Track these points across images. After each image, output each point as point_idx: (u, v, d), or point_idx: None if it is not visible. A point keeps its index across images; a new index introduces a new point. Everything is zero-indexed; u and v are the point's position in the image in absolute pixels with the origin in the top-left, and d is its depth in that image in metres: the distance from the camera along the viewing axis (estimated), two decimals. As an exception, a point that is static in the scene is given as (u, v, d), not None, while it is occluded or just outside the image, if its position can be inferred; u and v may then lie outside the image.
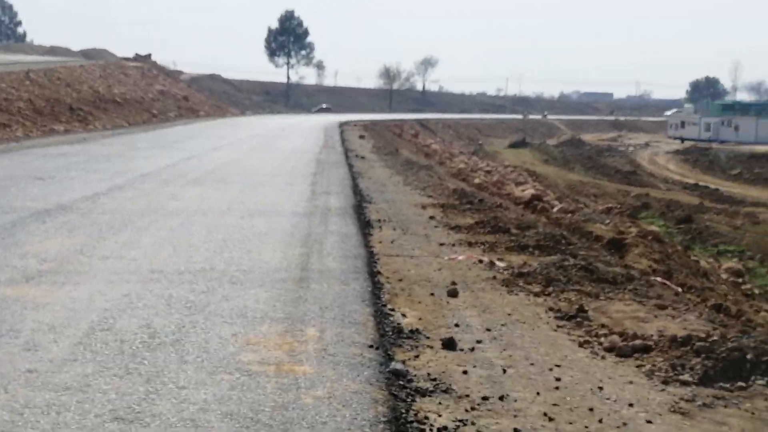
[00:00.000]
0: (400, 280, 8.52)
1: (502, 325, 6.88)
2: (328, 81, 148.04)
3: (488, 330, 6.71)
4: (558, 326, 6.97)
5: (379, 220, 12.60)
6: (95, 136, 29.91)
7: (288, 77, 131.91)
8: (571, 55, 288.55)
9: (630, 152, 74.34)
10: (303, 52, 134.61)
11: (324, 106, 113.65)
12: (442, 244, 10.87)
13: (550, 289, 8.31)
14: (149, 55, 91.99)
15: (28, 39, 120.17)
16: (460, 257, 9.89)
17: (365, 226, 12.00)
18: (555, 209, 17.15)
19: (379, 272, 8.77)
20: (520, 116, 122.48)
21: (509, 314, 7.25)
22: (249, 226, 11.15)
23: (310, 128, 47.11)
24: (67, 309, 6.45)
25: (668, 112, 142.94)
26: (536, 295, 8.05)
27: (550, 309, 7.50)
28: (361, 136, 38.81)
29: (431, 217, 13.31)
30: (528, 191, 21.44)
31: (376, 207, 14.18)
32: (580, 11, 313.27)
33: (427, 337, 6.41)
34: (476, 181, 23.50)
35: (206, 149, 25.67)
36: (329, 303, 7.24)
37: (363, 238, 10.92)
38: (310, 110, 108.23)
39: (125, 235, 9.89)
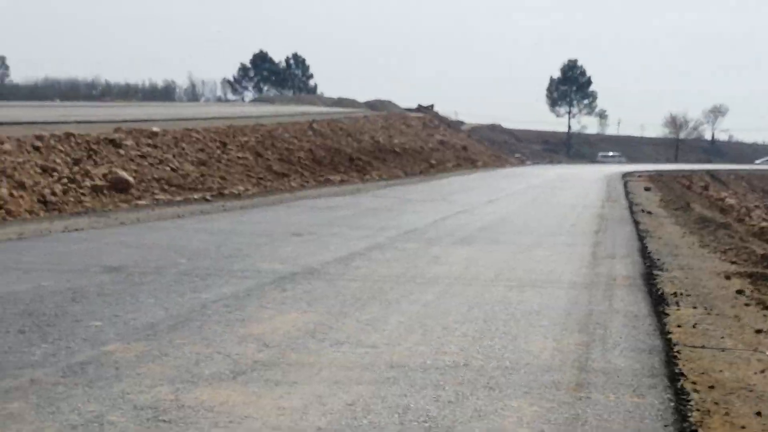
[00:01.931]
0: (711, 387, 6.42)
1: None
2: (611, 130, 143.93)
3: None
4: None
5: (674, 294, 10.44)
6: (369, 187, 29.34)
7: (569, 126, 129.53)
8: None
9: None
10: (585, 101, 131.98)
11: (611, 153, 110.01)
12: (759, 331, 8.58)
13: None
14: (432, 106, 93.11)
15: (318, 91, 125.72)
16: (793, 357, 7.61)
17: (658, 302, 9.90)
18: None
19: (681, 374, 6.72)
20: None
21: None
22: (517, 300, 9.38)
23: (592, 179, 44.75)
24: (269, 428, 4.96)
25: None
26: None
27: None
28: (647, 188, 36.04)
29: (739, 292, 10.94)
30: None
31: (669, 276, 11.99)
32: None
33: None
34: (786, 243, 20.40)
35: (480, 202, 24.22)
36: (618, 428, 5.33)
37: (657, 320, 8.85)
38: (594, 158, 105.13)
39: (370, 310, 8.42)
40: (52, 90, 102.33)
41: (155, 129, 29.32)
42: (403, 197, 24.83)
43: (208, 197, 21.72)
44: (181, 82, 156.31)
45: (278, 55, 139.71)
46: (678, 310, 9.54)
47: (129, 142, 26.09)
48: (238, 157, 31.58)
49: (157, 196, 21.60)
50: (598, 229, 17.91)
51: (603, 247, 14.91)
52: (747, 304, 10.19)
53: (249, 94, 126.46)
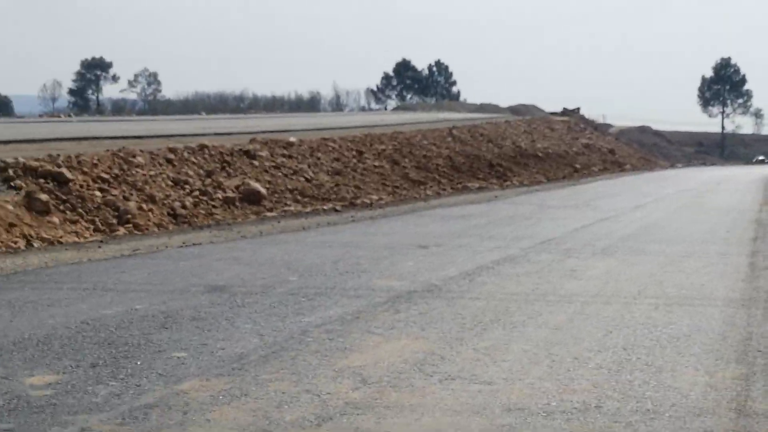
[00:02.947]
0: None
1: None
2: (767, 130, 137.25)
3: None
4: None
5: None
6: (507, 194, 28.18)
7: (723, 127, 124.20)
8: None
9: None
10: (739, 101, 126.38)
11: (761, 157, 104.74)
12: None
13: None
14: (577, 109, 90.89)
15: (461, 98, 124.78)
16: None
17: (828, 324, 8.54)
18: None
19: None
20: None
21: None
22: (664, 322, 8.19)
23: (748, 182, 42.17)
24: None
25: None
26: None
27: None
28: (809, 191, 33.55)
29: None
30: None
31: (840, 292, 10.52)
32: None
33: None
34: None
35: (625, 208, 22.73)
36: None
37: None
38: (750, 159, 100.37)
39: (491, 336, 7.40)
40: (201, 104, 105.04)
41: (292, 139, 29.04)
42: (542, 204, 23.59)
43: (338, 208, 21.09)
44: (326, 93, 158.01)
45: (421, 63, 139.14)
46: None
47: (264, 153, 25.81)
48: (374, 166, 30.97)
49: (288, 208, 21.14)
50: (756, 236, 16.30)
51: (762, 256, 13.41)
52: None
53: (392, 103, 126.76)
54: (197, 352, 6.55)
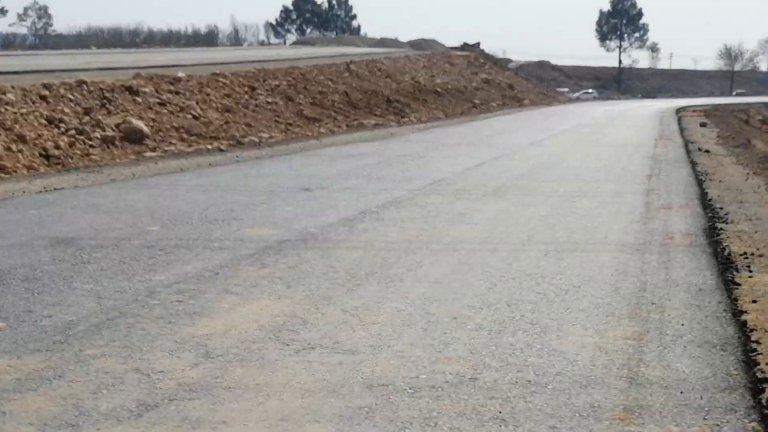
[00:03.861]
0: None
1: None
2: (663, 64, 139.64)
3: None
4: None
5: (744, 255, 8.61)
6: (403, 131, 27.44)
7: (620, 61, 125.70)
8: None
9: None
10: (636, 35, 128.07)
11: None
12: None
13: None
14: (478, 44, 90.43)
15: (362, 32, 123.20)
16: None
17: (726, 266, 8.08)
18: None
19: (766, 380, 4.96)
20: None
21: None
22: (552, 272, 7.58)
23: (644, 115, 42.43)
24: None
25: None
26: None
27: None
28: (702, 124, 33.70)
29: (825, 251, 9.09)
30: None
31: (735, 230, 10.13)
32: None
33: None
34: None
35: (521, 145, 22.25)
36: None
37: (726, 294, 7.04)
38: (647, 94, 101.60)
39: (364, 293, 6.67)
40: (95, 39, 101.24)
41: (180, 74, 27.69)
42: (438, 141, 22.93)
43: (223, 147, 20.04)
44: (224, 27, 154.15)
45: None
46: (751, 276, 7.72)
47: (148, 89, 24.46)
48: (267, 102, 29.88)
49: (172, 147, 20.02)
50: (651, 173, 15.95)
51: (657, 195, 13.01)
52: (837, 267, 8.33)
53: (292, 37, 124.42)
54: (18, 322, 5.62)
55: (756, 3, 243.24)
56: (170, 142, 20.62)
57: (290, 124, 27.48)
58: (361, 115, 33.66)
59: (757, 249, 8.99)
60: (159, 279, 6.88)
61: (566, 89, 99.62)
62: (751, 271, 7.95)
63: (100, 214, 9.97)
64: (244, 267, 7.43)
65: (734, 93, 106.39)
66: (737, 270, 7.95)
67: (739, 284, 7.41)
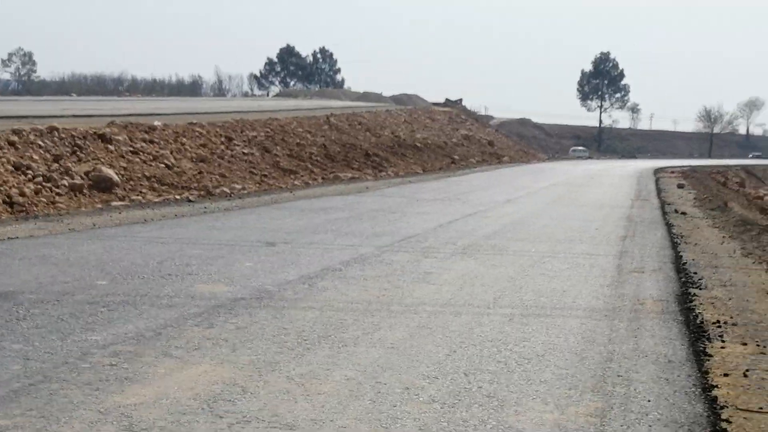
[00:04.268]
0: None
1: None
2: (643, 124, 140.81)
3: None
4: None
5: (718, 323, 8.29)
6: (379, 185, 27.17)
7: (600, 121, 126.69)
8: None
9: None
10: (617, 95, 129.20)
11: (581, 147, 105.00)
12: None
13: None
14: (460, 100, 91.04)
15: (346, 86, 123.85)
16: None
17: (697, 335, 7.75)
18: None
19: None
20: None
21: None
22: (516, 338, 7.22)
23: (622, 175, 42.39)
24: None
25: None
26: None
27: None
28: (680, 185, 33.62)
29: (799, 319, 8.78)
30: None
31: (709, 296, 9.83)
32: None
33: None
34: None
35: (496, 202, 21.99)
36: None
37: (696, 366, 6.69)
38: (626, 154, 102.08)
39: (314, 358, 6.25)
40: (77, 86, 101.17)
41: (156, 123, 27.42)
42: (413, 196, 22.65)
43: (192, 197, 19.65)
44: (208, 77, 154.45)
45: (306, 50, 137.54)
46: (723, 347, 7.39)
47: (122, 137, 24.14)
48: (244, 153, 29.61)
49: (142, 197, 19.64)
50: (626, 234, 15.67)
51: (630, 257, 12.70)
52: (812, 339, 8.01)
53: (275, 89, 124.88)
54: (-70, 386, 5.20)
55: (736, 67, 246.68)
56: (140, 192, 20.26)
57: (265, 176, 27.18)
58: (339, 168, 33.42)
59: (731, 317, 8.68)
60: (95, 339, 6.45)
61: (581, 148, 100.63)
62: (723, 341, 7.62)
63: (47, 266, 9.54)
64: (189, 327, 7.02)
65: (750, 156, 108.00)
66: (709, 340, 7.63)
67: (710, 355, 7.08)
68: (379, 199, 21.15)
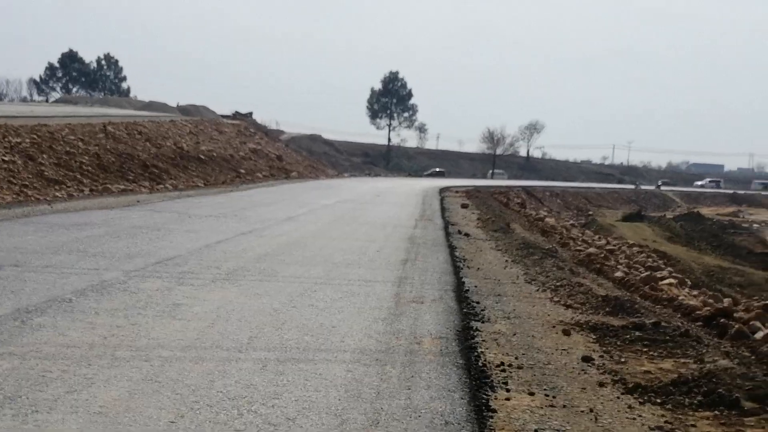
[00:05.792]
0: None
1: None
2: (430, 144, 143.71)
3: None
4: None
5: (501, 366, 7.33)
6: (153, 199, 25.22)
7: (389, 139, 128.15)
8: (681, 124, 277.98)
9: (757, 230, 66.62)
10: (405, 114, 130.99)
11: (438, 169, 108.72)
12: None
13: None
14: (250, 114, 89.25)
15: (131, 95, 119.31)
16: None
17: (480, 383, 6.72)
18: (761, 334, 11.36)
19: None
20: (631, 186, 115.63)
21: None
22: (265, 395, 5.87)
23: (408, 193, 42.07)
24: None
25: (757, 182, 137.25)
26: None
27: None
28: (464, 205, 33.43)
29: (586, 359, 7.95)
30: (701, 299, 15.70)
31: (492, 330, 8.93)
32: (688, 80, 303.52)
33: None
34: (617, 274, 17.87)
35: (276, 219, 20.62)
36: None
37: (479, 428, 5.61)
38: (414, 172, 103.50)
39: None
40: None
41: None
42: (186, 212, 20.92)
43: None
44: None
45: (90, 55, 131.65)
46: (508, 399, 6.38)
47: None
48: (3, 161, 26.88)
49: None
50: (407, 258, 14.69)
51: (410, 284, 11.67)
52: (602, 384, 7.16)
53: (56, 95, 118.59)
54: None
55: (518, 93, 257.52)
56: None
57: (26, 186, 24.68)
58: (111, 179, 31.11)
59: (516, 357, 7.75)
60: None
61: (500, 171, 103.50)
62: (508, 390, 6.64)
63: None
64: None
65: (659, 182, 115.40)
66: (492, 388, 6.62)
67: (494, 411, 6.04)
68: (147, 215, 19.33)
